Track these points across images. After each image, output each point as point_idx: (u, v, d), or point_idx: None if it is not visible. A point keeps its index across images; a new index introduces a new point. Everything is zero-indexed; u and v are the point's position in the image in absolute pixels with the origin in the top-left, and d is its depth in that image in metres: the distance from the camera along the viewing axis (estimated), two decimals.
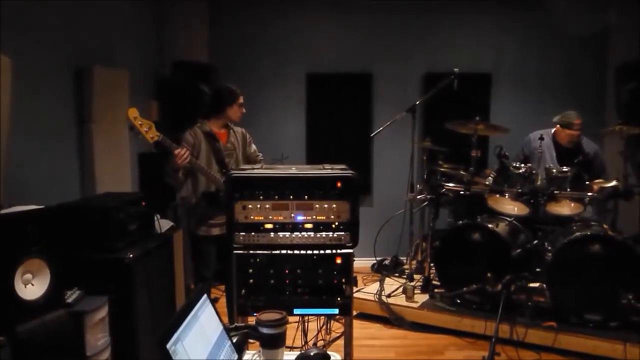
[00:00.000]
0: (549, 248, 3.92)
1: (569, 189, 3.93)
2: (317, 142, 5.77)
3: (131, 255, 2.85)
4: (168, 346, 1.30)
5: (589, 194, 3.95)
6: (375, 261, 5.37)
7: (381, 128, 4.56)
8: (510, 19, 5.71)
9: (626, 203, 3.99)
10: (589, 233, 3.71)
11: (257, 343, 1.76)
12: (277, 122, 5.78)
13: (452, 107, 4.85)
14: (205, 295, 1.65)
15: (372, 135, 4.68)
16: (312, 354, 1.75)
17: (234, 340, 1.73)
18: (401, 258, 5.16)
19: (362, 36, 5.74)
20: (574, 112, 4.44)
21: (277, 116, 5.79)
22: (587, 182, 3.98)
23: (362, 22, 5.73)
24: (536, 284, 4.04)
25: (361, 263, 5.35)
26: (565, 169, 4.02)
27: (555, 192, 3.90)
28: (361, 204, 5.76)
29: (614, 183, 3.88)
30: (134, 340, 2.86)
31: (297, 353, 1.77)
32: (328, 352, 1.80)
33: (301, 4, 5.65)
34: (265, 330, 1.71)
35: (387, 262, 5.30)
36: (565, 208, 3.97)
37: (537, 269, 4.00)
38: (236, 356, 1.67)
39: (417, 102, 4.43)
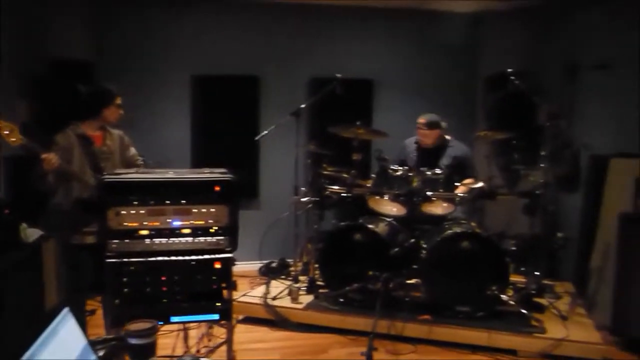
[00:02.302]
0: (425, 246, 4.16)
1: (441, 190, 4.19)
2: (202, 145, 5.66)
3: None
4: None
5: (459, 194, 4.26)
6: (262, 264, 5.38)
7: (266, 131, 4.59)
8: (391, 27, 5.99)
9: (492, 202, 4.34)
10: (458, 231, 3.99)
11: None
12: (161, 125, 5.59)
13: (336, 111, 4.98)
14: (66, 309, 1.56)
15: (256, 138, 4.68)
16: None
17: (101, 354, 1.66)
18: (288, 260, 5.22)
19: (249, 39, 5.73)
20: (428, 114, 4.67)
21: (161, 119, 5.60)
22: (456, 184, 4.27)
23: (248, 25, 5.72)
24: (413, 281, 4.28)
25: (248, 267, 5.35)
26: (438, 171, 4.29)
27: (429, 193, 4.14)
28: (248, 207, 5.82)
29: (480, 184, 4.21)
30: None
31: None
32: (201, 359, 1.79)
33: (187, 5, 5.52)
34: (134, 341, 1.66)
35: (274, 264, 5.34)
36: (438, 208, 4.24)
37: (415, 266, 4.23)
38: None
39: (302, 106, 4.51)
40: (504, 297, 3.83)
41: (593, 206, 4.53)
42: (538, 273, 4.32)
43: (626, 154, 4.38)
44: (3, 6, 4.24)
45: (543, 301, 4.18)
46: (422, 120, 4.61)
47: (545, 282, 4.48)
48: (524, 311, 3.81)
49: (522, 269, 4.53)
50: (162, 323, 2.48)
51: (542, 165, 4.14)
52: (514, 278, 4.25)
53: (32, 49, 4.84)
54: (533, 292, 4.18)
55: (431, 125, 4.61)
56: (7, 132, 2.90)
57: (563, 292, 4.50)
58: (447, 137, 4.75)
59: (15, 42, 4.56)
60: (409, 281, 4.25)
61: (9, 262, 2.82)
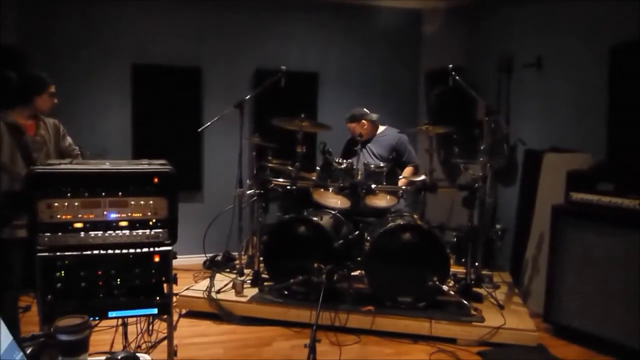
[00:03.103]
0: (368, 238, 4.21)
1: (385, 183, 4.25)
2: (144, 136, 5.51)
3: None
4: None
5: (402, 187, 4.34)
6: (206, 258, 5.30)
7: (209, 123, 4.50)
8: (336, 21, 6.02)
9: (433, 195, 4.43)
10: (401, 223, 4.05)
11: None
12: (100, 115, 5.41)
13: (281, 104, 4.97)
14: None
15: (199, 130, 4.60)
16: (119, 357, 1.67)
17: (28, 351, 1.58)
18: (233, 253, 5.17)
19: (193, 30, 5.62)
20: (354, 108, 4.89)
21: (99, 108, 5.41)
22: (400, 177, 4.35)
23: (192, 15, 5.61)
24: (357, 272, 4.32)
25: (193, 260, 5.27)
26: (382, 164, 4.35)
27: (373, 186, 4.19)
28: (192, 200, 5.72)
29: (422, 177, 4.29)
30: None
31: (102, 359, 1.68)
32: (138, 354, 1.74)
33: None
34: (64, 337, 1.59)
35: (218, 258, 5.27)
36: (382, 201, 4.30)
37: (358, 258, 4.28)
38: None
39: (246, 98, 4.46)
40: (444, 287, 3.92)
41: (528, 199, 4.72)
42: (477, 264, 4.45)
43: (559, 148, 4.58)
44: None
45: (482, 291, 4.31)
46: (347, 115, 4.81)
47: (484, 272, 4.64)
48: (464, 301, 3.92)
49: (462, 259, 4.66)
50: (97, 318, 2.41)
51: (481, 159, 4.25)
52: (454, 269, 4.37)
53: None
54: (472, 282, 4.30)
55: (352, 119, 4.82)
56: None
57: (501, 282, 4.67)
58: (382, 126, 4.86)
59: None
60: (352, 273, 4.29)
61: None
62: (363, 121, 4.78)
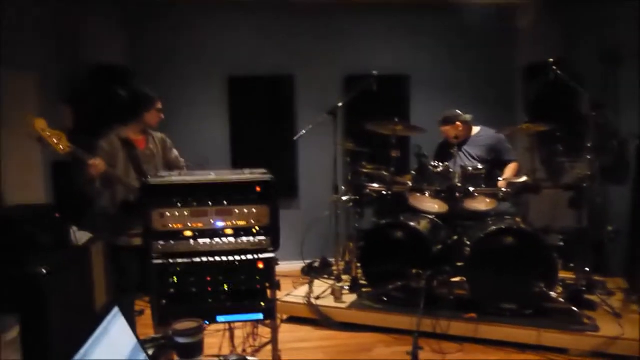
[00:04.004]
0: (468, 243, 4.08)
1: (483, 186, 4.10)
2: (241, 146, 5.72)
3: (43, 270, 2.71)
4: None
5: (502, 189, 4.16)
6: (304, 264, 5.39)
7: (303, 131, 4.59)
8: (425, 22, 5.92)
9: (536, 196, 4.23)
10: (502, 227, 3.89)
11: None
12: (201, 127, 5.68)
13: (373, 108, 4.96)
14: (116, 308, 1.59)
15: (295, 138, 4.69)
16: None
17: (150, 353, 1.68)
18: (330, 260, 5.21)
19: (283, 39, 5.76)
20: (446, 110, 4.71)
21: (200, 121, 5.69)
22: (499, 178, 4.18)
23: (282, 25, 5.75)
24: (457, 278, 4.20)
25: (291, 267, 5.36)
26: (479, 166, 4.20)
27: (471, 189, 4.06)
28: (288, 207, 5.84)
29: (524, 179, 4.10)
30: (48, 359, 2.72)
31: None
32: (248, 358, 1.79)
33: (220, 7, 5.59)
34: (181, 340, 1.68)
35: (316, 264, 5.34)
36: (481, 204, 4.15)
37: (458, 264, 4.16)
38: None
39: (338, 104, 4.49)
40: (552, 294, 3.71)
41: None
42: (587, 269, 4.18)
43: None
44: (41, 18, 4.38)
45: (594, 298, 4.04)
46: (439, 118, 4.66)
47: (596, 278, 4.34)
48: (574, 308, 3.69)
49: (571, 265, 4.40)
50: (207, 323, 2.51)
51: (587, 156, 3.99)
52: (562, 274, 4.13)
53: (70, 56, 4.98)
54: (583, 288, 4.04)
55: (445, 121, 4.65)
56: (56, 141, 3.00)
57: (615, 288, 4.34)
58: (476, 127, 4.70)
59: (54, 51, 4.71)
60: (452, 279, 4.18)
61: (60, 264, 2.89)
62: (457, 123, 4.64)
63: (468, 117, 4.70)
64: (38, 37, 4.36)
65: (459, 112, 4.69)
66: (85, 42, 5.09)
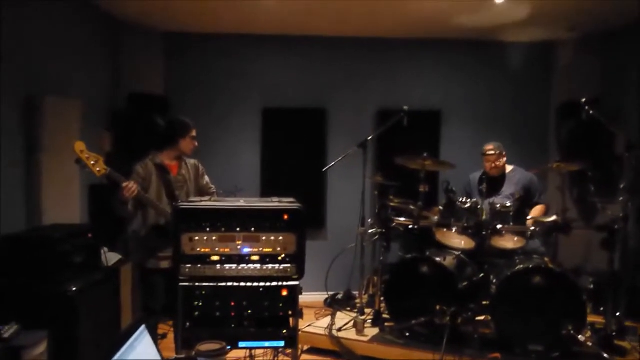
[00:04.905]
0: (494, 281, 4.03)
1: (511, 223, 4.07)
2: (272, 175, 5.82)
3: (74, 288, 2.80)
4: None
5: (531, 228, 4.11)
6: (327, 295, 5.38)
7: (333, 163, 4.65)
8: (459, 58, 5.98)
9: (567, 237, 4.16)
10: (530, 266, 3.84)
11: None
12: (233, 156, 5.81)
13: (403, 143, 4.99)
14: (143, 326, 1.65)
15: (324, 169, 4.75)
16: None
17: None
18: (353, 292, 5.19)
19: (317, 72, 5.89)
20: (494, 142, 4.65)
21: (233, 149, 5.82)
22: (528, 217, 4.14)
23: (316, 59, 5.89)
24: (482, 317, 4.14)
25: (314, 297, 5.36)
26: (508, 203, 4.18)
27: (499, 226, 4.03)
28: (315, 238, 5.87)
29: (554, 218, 4.05)
30: None
31: None
32: None
33: (257, 40, 5.77)
34: None
35: (339, 296, 5.32)
36: (509, 242, 4.11)
37: (484, 302, 4.10)
38: None
39: (369, 138, 4.55)
40: (580, 337, 3.62)
41: None
42: (619, 313, 4.06)
43: None
44: (85, 47, 4.61)
45: (625, 344, 3.91)
46: (490, 147, 4.62)
47: (628, 324, 4.21)
48: (604, 354, 3.58)
49: (601, 308, 4.28)
50: (230, 347, 2.54)
51: (621, 197, 3.93)
52: (592, 318, 4.02)
53: (112, 84, 5.21)
54: (613, 333, 3.92)
55: (499, 150, 4.59)
56: (93, 163, 3.12)
57: None
58: (510, 166, 4.67)
59: (97, 78, 4.92)
60: (478, 317, 4.11)
61: (91, 283, 2.98)
62: (504, 154, 4.62)
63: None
64: (82, 65, 4.57)
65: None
66: (126, 71, 5.33)
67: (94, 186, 4.60)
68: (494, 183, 4.58)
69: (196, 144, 3.70)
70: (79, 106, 4.22)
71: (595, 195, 4.55)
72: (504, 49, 5.87)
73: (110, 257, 3.62)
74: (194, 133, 3.67)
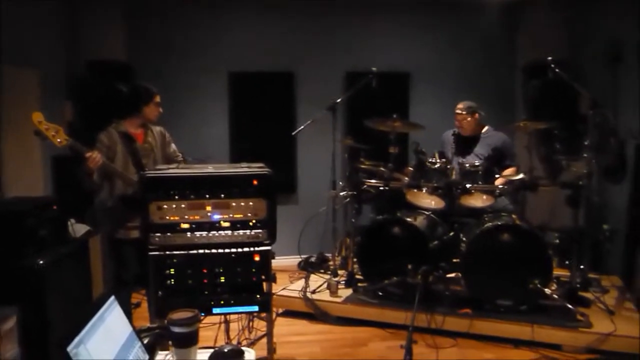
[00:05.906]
0: (464, 239, 4.11)
1: (480, 182, 4.13)
2: (240, 141, 5.74)
3: (41, 262, 2.73)
4: (69, 349, 1.28)
5: (499, 186, 4.18)
6: (301, 259, 5.42)
7: (302, 126, 4.61)
8: (425, 20, 5.94)
9: (533, 194, 4.24)
10: (499, 223, 3.91)
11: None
12: (200, 122, 5.69)
13: (372, 105, 4.96)
14: (112, 297, 1.62)
15: (293, 133, 4.72)
16: (225, 350, 1.76)
17: (145, 342, 1.71)
18: (326, 255, 5.24)
19: (284, 36, 5.77)
20: (465, 101, 4.65)
21: (200, 116, 5.71)
22: (496, 175, 4.20)
23: (283, 21, 5.76)
24: (453, 274, 4.23)
25: (288, 261, 5.39)
26: (477, 163, 4.23)
27: (468, 185, 4.08)
28: (286, 202, 5.87)
29: (521, 176, 4.11)
30: (47, 350, 2.75)
31: (211, 351, 1.77)
32: (242, 348, 1.82)
33: (221, 3, 5.60)
34: (176, 329, 1.70)
35: (313, 259, 5.37)
36: (477, 200, 4.17)
37: (454, 260, 4.18)
38: (147, 357, 1.66)
39: (337, 101, 4.51)
40: (547, 291, 3.74)
41: None
42: (583, 266, 4.21)
43: None
44: (41, 15, 4.40)
45: (589, 295, 4.07)
46: (460, 105, 4.62)
47: (591, 275, 4.37)
48: (568, 305, 3.71)
49: (566, 262, 4.42)
50: (203, 314, 2.54)
51: (585, 155, 4.01)
52: (557, 272, 4.16)
53: (69, 52, 5.00)
54: (578, 286, 4.07)
55: (470, 110, 4.58)
56: (53, 134, 3.01)
57: (610, 286, 4.37)
58: (485, 126, 4.69)
59: (54, 47, 4.73)
60: (448, 275, 4.20)
61: (59, 256, 2.92)
62: (476, 115, 4.62)
63: (482, 113, 4.67)
64: (39, 34, 4.38)
65: (476, 105, 4.65)
66: (85, 38, 5.12)
67: (58, 157, 4.47)
68: (467, 143, 4.62)
69: (160, 110, 3.61)
70: (37, 75, 4.06)
71: (560, 153, 4.64)
72: (472, 9, 5.83)
73: (78, 229, 3.54)
74: (157, 99, 3.57)
